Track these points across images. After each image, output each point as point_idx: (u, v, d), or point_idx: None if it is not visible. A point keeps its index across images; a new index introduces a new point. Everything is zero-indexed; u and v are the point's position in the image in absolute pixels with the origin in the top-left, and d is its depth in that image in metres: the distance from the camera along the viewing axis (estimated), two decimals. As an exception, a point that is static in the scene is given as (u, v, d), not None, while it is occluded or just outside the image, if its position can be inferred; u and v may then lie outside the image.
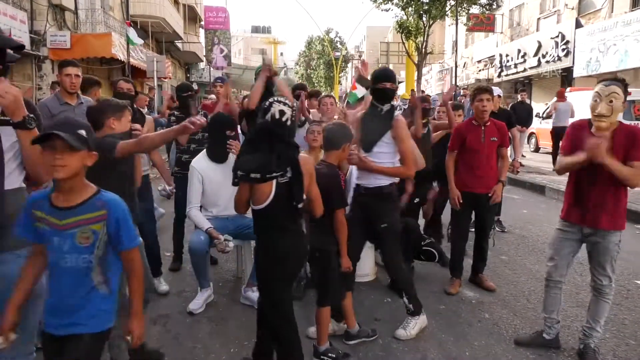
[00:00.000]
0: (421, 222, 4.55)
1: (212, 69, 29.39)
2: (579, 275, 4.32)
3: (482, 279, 4.03)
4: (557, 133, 9.84)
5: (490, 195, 3.84)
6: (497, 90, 6.09)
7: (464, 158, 3.89)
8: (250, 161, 2.13)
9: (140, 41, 15.37)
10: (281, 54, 55.03)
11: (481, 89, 3.86)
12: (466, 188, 3.85)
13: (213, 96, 5.64)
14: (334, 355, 2.79)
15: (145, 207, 3.73)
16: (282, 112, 2.17)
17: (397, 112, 3.09)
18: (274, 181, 2.15)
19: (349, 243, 2.81)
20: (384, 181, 3.04)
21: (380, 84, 2.99)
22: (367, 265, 4.14)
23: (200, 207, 3.64)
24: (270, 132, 2.15)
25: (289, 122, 2.19)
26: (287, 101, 2.23)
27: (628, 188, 2.72)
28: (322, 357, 2.79)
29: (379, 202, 3.05)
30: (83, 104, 3.77)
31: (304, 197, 2.25)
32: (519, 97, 11.03)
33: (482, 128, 3.83)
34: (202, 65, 30.65)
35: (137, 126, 2.93)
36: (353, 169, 4.05)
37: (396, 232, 3.12)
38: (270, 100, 2.22)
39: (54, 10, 14.15)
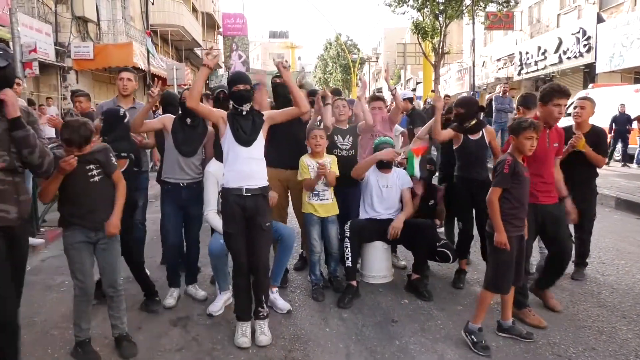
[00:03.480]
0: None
1: (230, 74, 29.66)
2: (601, 275, 4.25)
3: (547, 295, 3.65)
4: None
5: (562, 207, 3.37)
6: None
7: (529, 167, 3.15)
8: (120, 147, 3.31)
9: (153, 49, 15.90)
10: (299, 58, 55.28)
11: (560, 91, 3.30)
12: (531, 199, 3.16)
13: None
14: (517, 333, 3.11)
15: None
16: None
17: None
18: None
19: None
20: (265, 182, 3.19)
21: (235, 87, 3.09)
22: (384, 266, 4.16)
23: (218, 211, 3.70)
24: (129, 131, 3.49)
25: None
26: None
27: None
28: (500, 333, 3.15)
29: (262, 201, 3.13)
30: (135, 108, 4.10)
31: None
32: (539, 95, 10.86)
33: (547, 131, 3.34)
34: (220, 72, 31.05)
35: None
36: (370, 174, 4.07)
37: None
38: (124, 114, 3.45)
39: (78, 22, 14.57)
